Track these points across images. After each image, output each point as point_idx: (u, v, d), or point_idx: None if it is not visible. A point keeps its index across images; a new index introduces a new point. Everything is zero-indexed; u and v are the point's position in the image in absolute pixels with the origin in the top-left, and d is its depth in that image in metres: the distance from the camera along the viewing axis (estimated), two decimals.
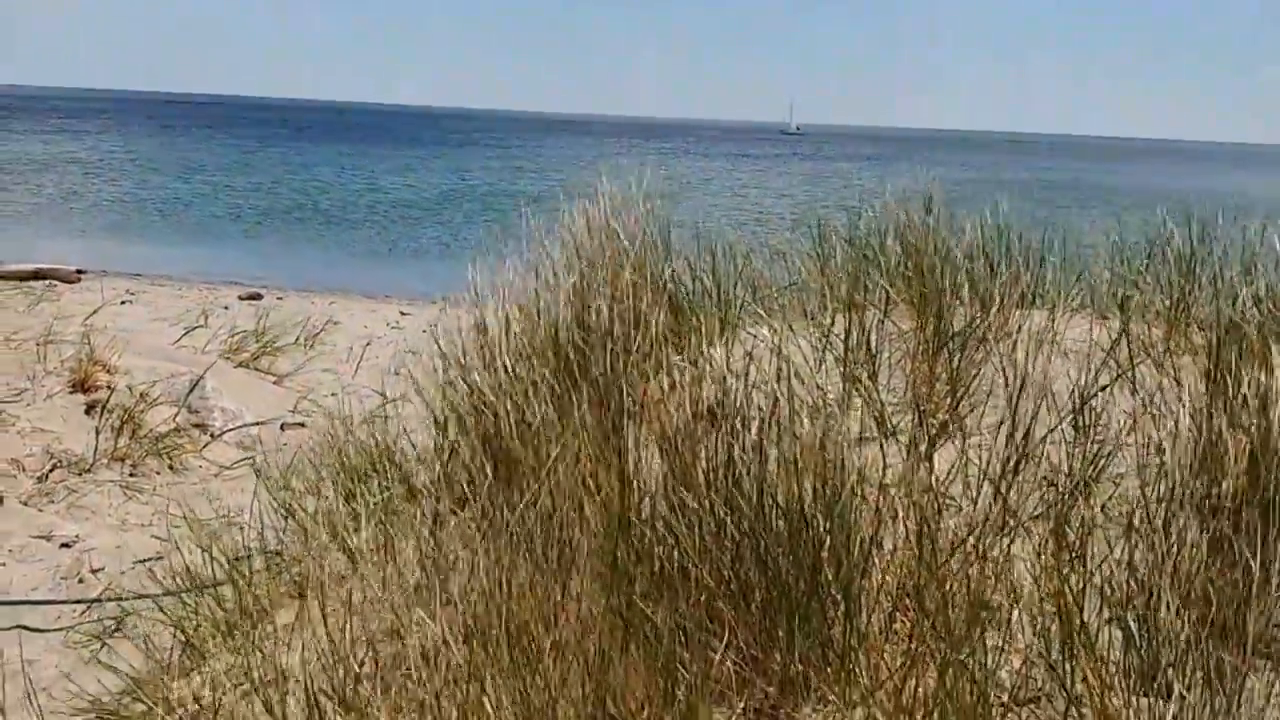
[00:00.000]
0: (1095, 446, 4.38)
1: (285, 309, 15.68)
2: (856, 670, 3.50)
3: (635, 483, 3.94)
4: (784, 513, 3.68)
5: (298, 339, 12.46)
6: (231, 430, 8.74)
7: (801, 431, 3.96)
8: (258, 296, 18.15)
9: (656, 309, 5.16)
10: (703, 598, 3.65)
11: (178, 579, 5.05)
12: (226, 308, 16.18)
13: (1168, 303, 5.54)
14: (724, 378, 4.25)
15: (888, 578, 3.70)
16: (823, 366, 5.06)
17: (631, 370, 4.47)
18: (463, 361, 5.16)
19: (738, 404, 4.32)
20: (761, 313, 5.44)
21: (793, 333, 5.20)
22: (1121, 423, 4.53)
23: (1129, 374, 4.80)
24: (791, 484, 3.68)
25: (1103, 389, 4.65)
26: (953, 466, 4.23)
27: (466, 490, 4.46)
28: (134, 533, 6.84)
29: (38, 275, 16.56)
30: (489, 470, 4.34)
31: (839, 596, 3.54)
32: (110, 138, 77.37)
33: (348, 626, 3.67)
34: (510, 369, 5.02)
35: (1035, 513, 4.06)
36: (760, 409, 4.10)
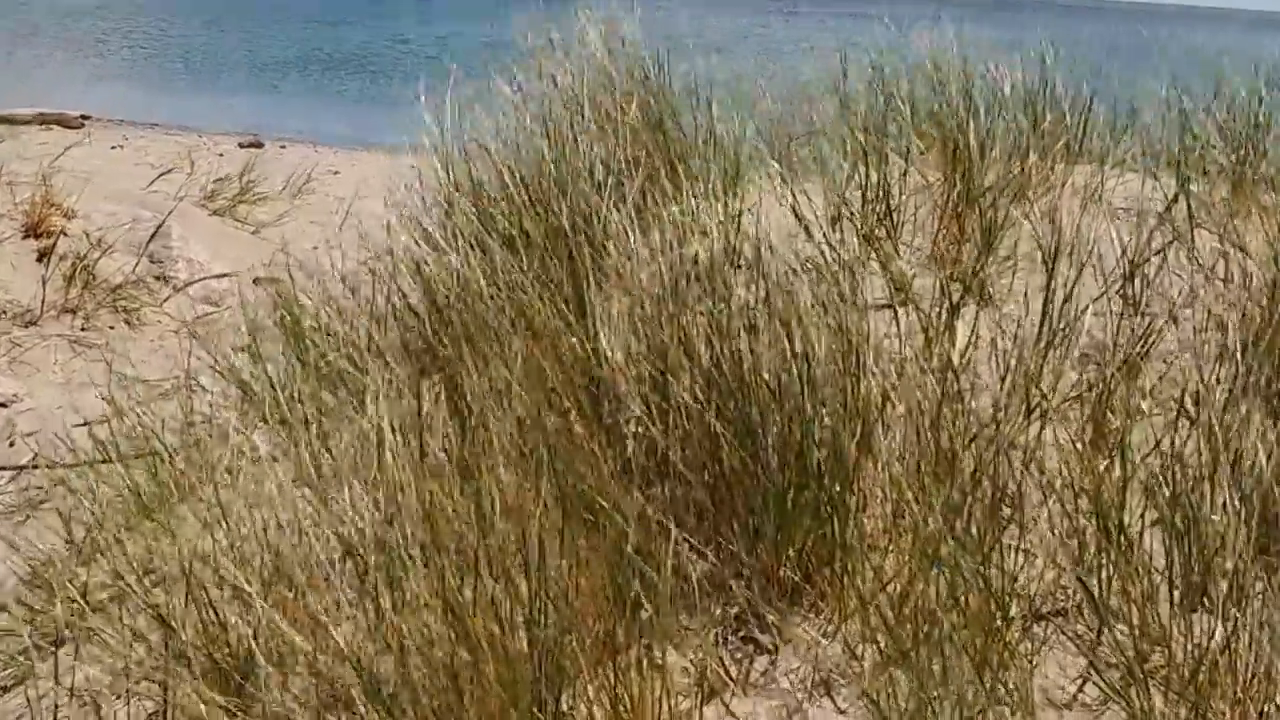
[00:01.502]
0: (1145, 320, 3.97)
1: (286, 158, 15.26)
2: (853, 574, 3.13)
3: (602, 355, 3.56)
4: (771, 387, 3.29)
5: (285, 187, 12.02)
6: (196, 283, 8.37)
7: (800, 292, 3.56)
8: (259, 144, 17.74)
9: (649, 155, 4.74)
10: (676, 487, 3.29)
11: (119, 446, 4.71)
12: (221, 154, 15.72)
13: (1232, 158, 5.09)
14: (710, 231, 3.84)
15: (895, 466, 3.31)
16: (838, 225, 4.64)
17: (608, 225, 4.05)
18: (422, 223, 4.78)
19: (730, 262, 3.93)
20: (772, 162, 4.99)
21: (803, 185, 4.78)
22: (1177, 294, 4.11)
23: (1186, 238, 4.37)
24: (782, 350, 3.29)
25: (1156, 254, 4.23)
26: (975, 337, 3.82)
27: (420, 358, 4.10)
28: (79, 392, 6.48)
29: (41, 121, 16.36)
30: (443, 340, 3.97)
31: (834, 487, 3.15)
32: None
33: (263, 516, 3.32)
34: (477, 222, 4.64)
35: (1071, 394, 3.66)
36: (755, 268, 3.70)
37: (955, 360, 3.65)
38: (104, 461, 4.64)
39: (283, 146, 17.87)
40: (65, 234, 8.31)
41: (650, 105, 4.99)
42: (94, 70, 31.83)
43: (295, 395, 4.29)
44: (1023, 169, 4.78)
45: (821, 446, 3.17)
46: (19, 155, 10.74)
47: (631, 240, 3.87)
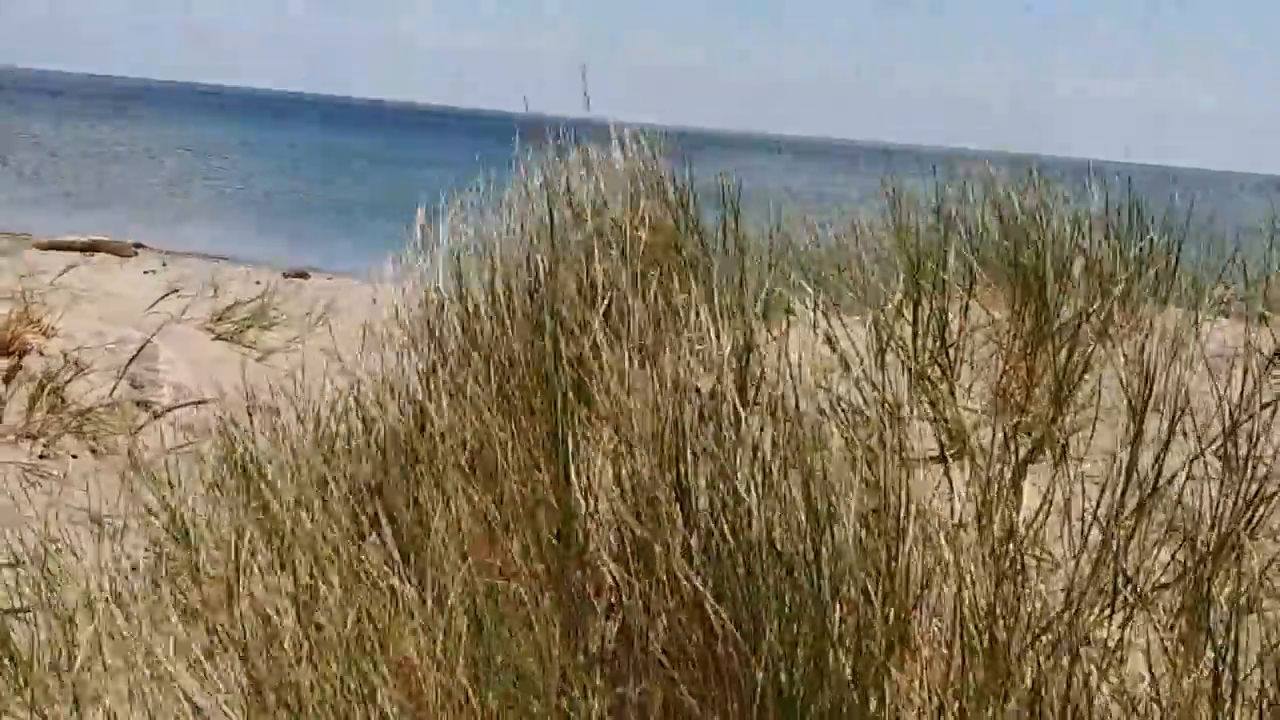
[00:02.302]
0: (1252, 486, 3.29)
1: (321, 287, 14.86)
2: None
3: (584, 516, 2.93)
4: (785, 558, 2.64)
5: (308, 314, 11.49)
6: (177, 409, 7.78)
7: (829, 438, 2.94)
8: (304, 275, 17.42)
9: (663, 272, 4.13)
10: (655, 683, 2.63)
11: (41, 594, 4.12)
12: (259, 282, 15.24)
13: None
14: (724, 362, 3.19)
15: (936, 670, 2.63)
16: (882, 361, 4.00)
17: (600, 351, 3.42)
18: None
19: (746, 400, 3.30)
20: (806, 287, 4.35)
21: (844, 317, 4.16)
22: None
23: None
24: (798, 511, 2.64)
25: (1265, 407, 3.55)
26: (1048, 502, 3.15)
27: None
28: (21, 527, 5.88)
29: (93, 248, 16.38)
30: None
31: (856, 695, 2.48)
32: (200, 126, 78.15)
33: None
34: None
35: (1161, 580, 2.98)
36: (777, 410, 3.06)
37: (1019, 529, 2.99)
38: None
39: (329, 278, 17.49)
40: (42, 353, 7.77)
41: (665, 214, 4.41)
42: (181, 204, 32.43)
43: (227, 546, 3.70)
44: (1105, 301, 4.12)
45: (843, 642, 2.50)
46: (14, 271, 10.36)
47: (625, 367, 3.24)
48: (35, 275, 10.74)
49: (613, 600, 2.81)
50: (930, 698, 2.61)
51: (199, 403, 7.87)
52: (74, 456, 6.99)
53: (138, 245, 17.70)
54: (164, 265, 16.94)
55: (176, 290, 11.49)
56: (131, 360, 7.92)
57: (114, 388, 7.68)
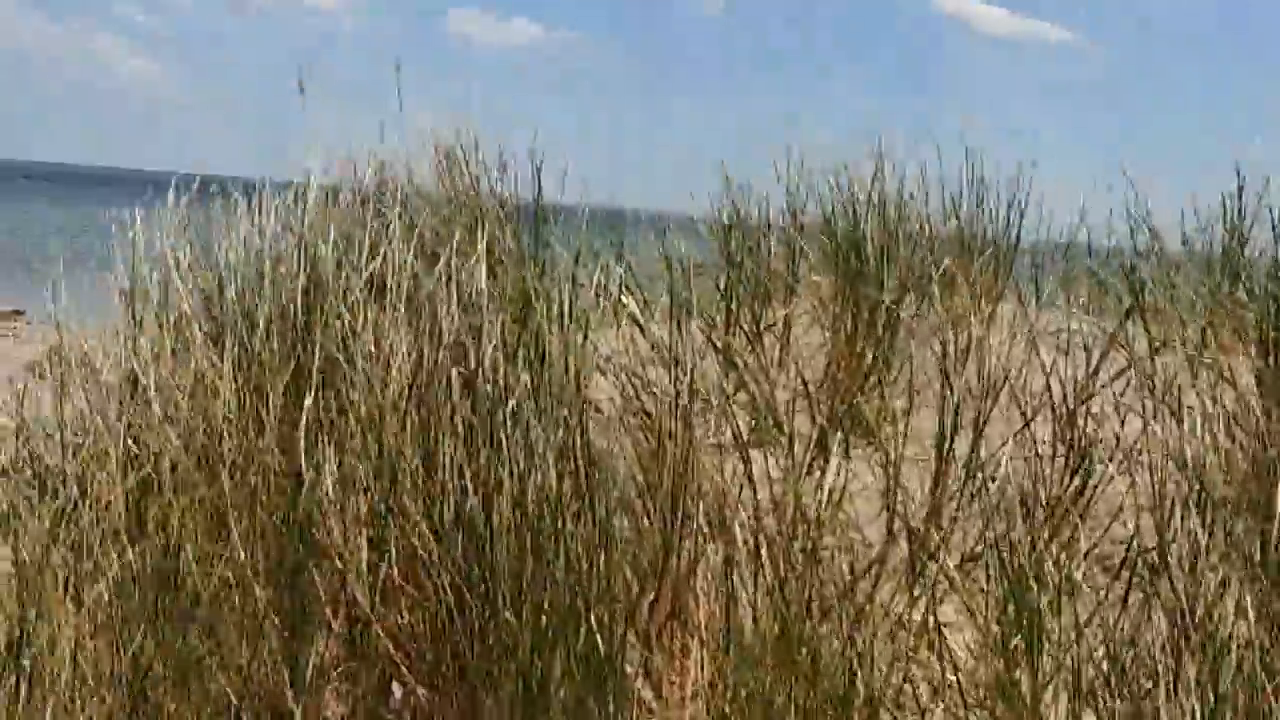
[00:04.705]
0: (1084, 464, 3.03)
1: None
2: None
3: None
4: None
5: None
6: None
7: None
8: (19, 313, 16.38)
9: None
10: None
11: None
12: None
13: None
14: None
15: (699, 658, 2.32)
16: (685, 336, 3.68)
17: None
18: None
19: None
20: (628, 286, 4.03)
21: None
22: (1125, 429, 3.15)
23: (1145, 361, 3.42)
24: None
25: (1103, 387, 3.29)
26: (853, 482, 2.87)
27: None
28: None
29: None
30: None
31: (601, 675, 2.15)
32: None
33: None
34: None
35: (976, 549, 2.70)
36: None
37: (821, 508, 2.70)
38: None
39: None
40: None
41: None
42: None
43: None
44: (929, 279, 3.85)
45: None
46: None
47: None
48: None
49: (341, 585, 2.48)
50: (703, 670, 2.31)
51: None
52: None
53: None
54: None
55: None
56: None
57: None
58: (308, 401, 2.67)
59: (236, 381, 2.88)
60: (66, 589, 2.51)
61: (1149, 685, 2.18)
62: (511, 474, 2.41)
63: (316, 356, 2.87)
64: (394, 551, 2.42)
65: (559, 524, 2.33)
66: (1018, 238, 4.46)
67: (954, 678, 2.42)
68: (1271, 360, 3.37)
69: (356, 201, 3.82)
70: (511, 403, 2.56)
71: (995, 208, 4.45)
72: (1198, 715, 2.06)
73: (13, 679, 2.32)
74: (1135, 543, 2.60)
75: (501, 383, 2.64)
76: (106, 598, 2.49)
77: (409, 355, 2.71)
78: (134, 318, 3.15)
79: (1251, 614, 2.20)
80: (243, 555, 2.56)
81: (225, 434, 2.81)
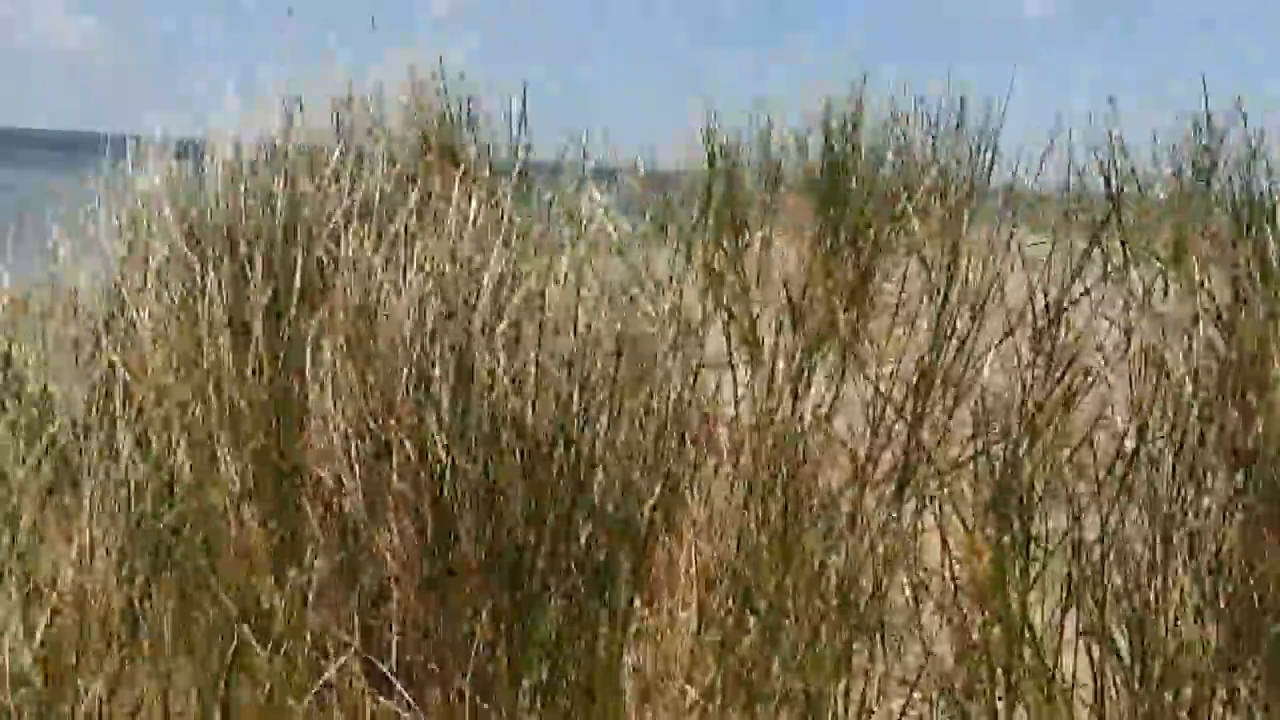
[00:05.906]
0: (1063, 373, 3.07)
1: None
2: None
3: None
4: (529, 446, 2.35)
5: None
6: None
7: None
8: None
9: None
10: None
11: None
12: None
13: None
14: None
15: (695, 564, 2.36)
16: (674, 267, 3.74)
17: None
18: None
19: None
20: (595, 192, 4.04)
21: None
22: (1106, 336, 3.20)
23: (1121, 270, 3.47)
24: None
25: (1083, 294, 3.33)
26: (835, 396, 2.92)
27: None
28: None
29: None
30: None
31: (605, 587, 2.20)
32: None
33: None
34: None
35: (961, 459, 2.75)
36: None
37: (805, 419, 2.74)
38: None
39: None
40: None
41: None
42: None
43: None
44: (910, 197, 3.88)
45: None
46: None
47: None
48: None
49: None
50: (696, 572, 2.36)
51: None
52: None
53: None
54: None
55: None
56: None
57: None
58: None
59: (223, 298, 2.91)
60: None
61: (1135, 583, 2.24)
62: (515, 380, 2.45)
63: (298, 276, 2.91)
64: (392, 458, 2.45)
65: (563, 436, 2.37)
66: (993, 159, 4.49)
67: (945, 575, 2.47)
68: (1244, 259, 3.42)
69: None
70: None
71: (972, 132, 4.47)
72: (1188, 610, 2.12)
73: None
74: (1118, 447, 2.66)
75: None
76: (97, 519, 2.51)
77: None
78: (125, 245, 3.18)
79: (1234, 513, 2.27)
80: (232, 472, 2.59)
81: (210, 352, 2.84)
